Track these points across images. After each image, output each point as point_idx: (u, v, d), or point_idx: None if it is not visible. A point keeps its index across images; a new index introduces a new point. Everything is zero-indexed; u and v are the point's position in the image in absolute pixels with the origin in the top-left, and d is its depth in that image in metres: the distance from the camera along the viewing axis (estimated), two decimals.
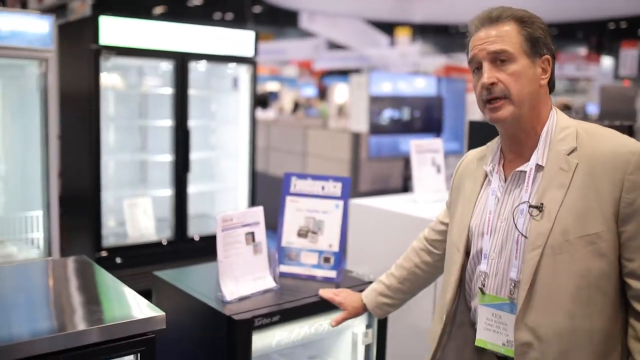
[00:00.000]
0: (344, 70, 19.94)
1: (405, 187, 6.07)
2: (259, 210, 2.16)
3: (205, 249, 4.38)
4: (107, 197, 4.26)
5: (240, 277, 2.07)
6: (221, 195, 5.01)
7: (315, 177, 2.37)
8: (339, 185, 2.35)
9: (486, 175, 1.60)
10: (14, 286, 1.88)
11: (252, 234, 2.13)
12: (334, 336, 2.39)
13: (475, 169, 1.65)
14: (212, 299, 2.02)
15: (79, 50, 4.05)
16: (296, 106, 13.34)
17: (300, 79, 21.43)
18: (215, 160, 5.00)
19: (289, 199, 2.36)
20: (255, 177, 4.74)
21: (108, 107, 4.40)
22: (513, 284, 1.45)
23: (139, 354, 1.60)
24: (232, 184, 4.83)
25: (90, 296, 1.83)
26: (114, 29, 3.90)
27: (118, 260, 3.97)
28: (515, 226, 1.45)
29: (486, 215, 1.54)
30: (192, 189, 4.40)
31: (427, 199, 2.98)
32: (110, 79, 4.40)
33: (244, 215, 2.10)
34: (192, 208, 4.50)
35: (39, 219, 3.81)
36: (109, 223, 4.37)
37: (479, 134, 2.41)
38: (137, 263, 4.02)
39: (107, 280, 1.93)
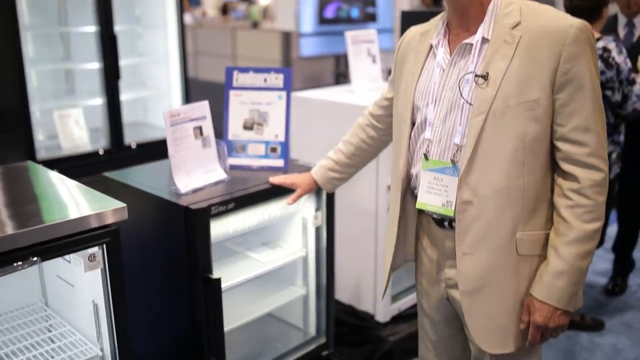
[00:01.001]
0: None
1: (337, 82, 6.13)
2: (205, 105, 2.19)
3: (142, 156, 4.34)
4: (34, 111, 4.11)
5: (191, 171, 2.12)
6: (154, 102, 4.92)
7: (257, 70, 2.40)
8: (280, 76, 2.38)
9: (430, 49, 1.68)
10: None
11: (200, 128, 2.16)
12: (285, 221, 2.51)
13: (418, 44, 1.72)
14: (167, 192, 2.08)
15: None
16: (225, 9, 12.86)
17: None
18: (145, 66, 4.87)
19: (232, 92, 2.39)
20: (187, 82, 4.67)
21: (22, 15, 4.15)
22: (457, 148, 1.57)
23: (104, 245, 1.66)
24: (165, 90, 4.75)
25: (51, 194, 1.84)
26: None
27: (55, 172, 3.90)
28: (461, 94, 1.55)
29: (431, 86, 1.62)
30: (123, 96, 4.30)
31: (364, 88, 3.06)
32: None
33: (191, 110, 2.13)
34: (126, 116, 4.40)
35: None
36: (38, 137, 4.24)
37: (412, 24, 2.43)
38: (76, 174, 3.95)
39: (61, 180, 1.95)
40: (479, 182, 1.53)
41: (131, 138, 4.38)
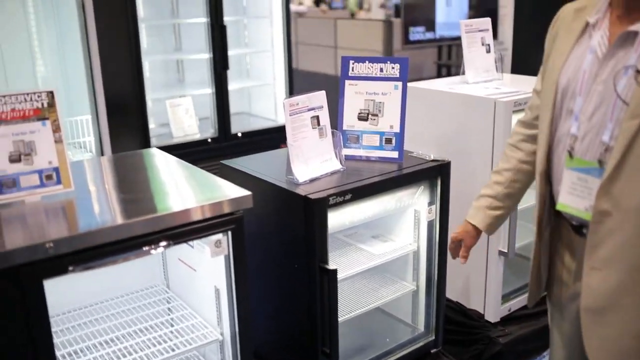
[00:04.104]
0: None
1: (439, 75, 6.00)
2: (322, 94, 2.18)
3: (247, 145, 4.45)
4: (147, 100, 4.29)
5: (309, 160, 2.12)
6: (258, 92, 5.01)
7: (373, 60, 2.36)
8: (397, 66, 2.34)
9: (585, 28, 1.50)
10: (101, 177, 1.96)
11: (317, 117, 2.16)
12: (397, 215, 2.47)
13: (572, 20, 1.54)
14: (284, 181, 2.09)
15: None
16: (317, 0, 12.96)
17: None
18: (251, 57, 4.96)
19: (347, 82, 2.37)
20: (292, 73, 4.71)
21: (138, 8, 4.33)
22: (605, 148, 1.41)
23: (229, 232, 1.68)
24: (269, 80, 4.82)
25: (177, 180, 1.90)
26: None
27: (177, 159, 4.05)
28: (615, 90, 1.37)
29: (580, 75, 1.46)
30: (230, 86, 4.40)
31: (478, 79, 2.96)
32: None
33: (309, 99, 2.12)
34: (231, 106, 4.52)
35: (89, 123, 3.87)
36: (150, 125, 4.43)
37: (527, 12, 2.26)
38: (187, 162, 4.10)
39: (185, 167, 2.00)
40: (622, 193, 1.37)
41: (237, 127, 4.49)
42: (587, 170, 1.46)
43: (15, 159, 1.60)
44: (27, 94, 1.61)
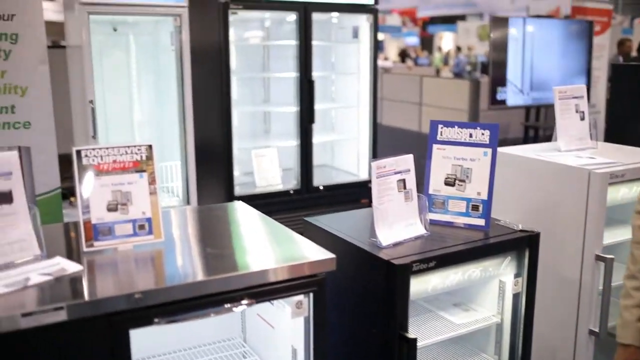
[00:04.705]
0: (447, 17, 19.28)
1: (526, 136, 5.87)
2: (409, 158, 2.16)
3: (329, 198, 4.48)
4: (233, 148, 4.42)
5: (393, 223, 2.09)
6: (341, 146, 5.06)
7: (462, 125, 2.33)
8: (487, 132, 2.30)
9: None
10: (188, 228, 2.01)
11: (404, 180, 2.14)
12: (480, 284, 2.38)
13: None
14: (367, 243, 2.06)
15: (207, 5, 4.16)
16: (403, 55, 13.10)
17: (404, 28, 20.95)
18: (336, 111, 5.04)
19: (435, 146, 2.34)
20: (376, 128, 4.74)
21: (231, 61, 4.52)
22: None
23: (311, 294, 1.67)
24: (354, 134, 4.86)
25: (262, 236, 1.92)
26: None
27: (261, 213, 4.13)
28: None
29: None
30: (315, 139, 4.47)
31: (570, 147, 2.86)
32: (233, 33, 4.50)
33: (396, 162, 2.11)
34: (314, 158, 4.58)
35: (177, 169, 4.03)
36: (234, 173, 4.55)
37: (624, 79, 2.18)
38: (266, 212, 4.17)
39: (270, 223, 2.02)
40: None
41: (319, 180, 4.53)
42: None
43: (112, 208, 1.67)
44: (128, 146, 1.69)
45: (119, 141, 4.13)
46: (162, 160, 4.23)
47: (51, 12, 11.87)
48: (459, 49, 16.60)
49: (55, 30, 5.70)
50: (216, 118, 4.21)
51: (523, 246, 2.24)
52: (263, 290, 1.60)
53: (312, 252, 1.72)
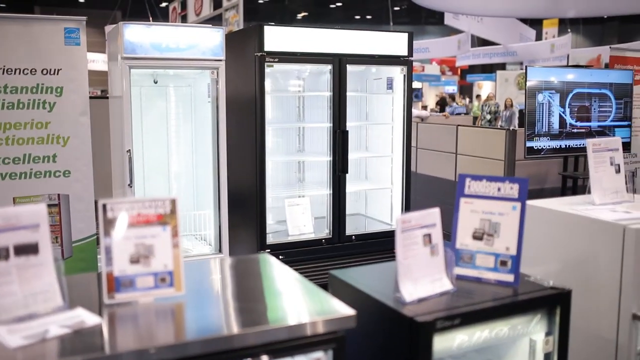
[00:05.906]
0: (487, 65, 19.34)
1: (564, 186, 5.75)
2: (436, 212, 2.14)
3: (360, 248, 4.45)
4: (266, 197, 4.46)
5: (418, 279, 2.06)
6: (374, 194, 5.05)
7: (491, 179, 2.31)
8: (516, 186, 2.26)
9: None
10: (212, 280, 2.02)
11: (429, 235, 2.12)
12: (510, 342, 2.31)
13: None
14: (391, 299, 2.03)
15: (243, 58, 4.27)
16: (442, 104, 13.12)
17: (442, 76, 21.07)
18: (369, 160, 5.05)
19: (463, 200, 2.32)
20: (409, 178, 4.72)
21: (267, 111, 4.61)
22: None
23: (331, 351, 1.65)
24: (386, 184, 4.85)
25: (283, 291, 1.91)
26: (276, 37, 4.08)
27: (280, 257, 4.13)
28: None
29: None
30: (348, 189, 4.48)
31: (605, 201, 2.79)
32: (269, 83, 4.60)
33: (422, 217, 2.10)
34: (347, 207, 4.58)
35: (210, 217, 4.07)
36: (267, 221, 4.58)
37: None
38: (298, 260, 4.18)
39: (296, 278, 2.02)
40: None
41: (351, 228, 4.52)
42: None
43: (134, 260, 1.70)
44: (153, 200, 1.72)
45: (155, 189, 4.25)
46: (196, 208, 4.30)
47: (102, 62, 12.41)
48: (478, 97, 16.47)
49: (106, 80, 5.94)
50: (251, 167, 4.26)
51: (554, 304, 2.17)
52: (281, 347, 1.58)
53: (332, 309, 1.70)
